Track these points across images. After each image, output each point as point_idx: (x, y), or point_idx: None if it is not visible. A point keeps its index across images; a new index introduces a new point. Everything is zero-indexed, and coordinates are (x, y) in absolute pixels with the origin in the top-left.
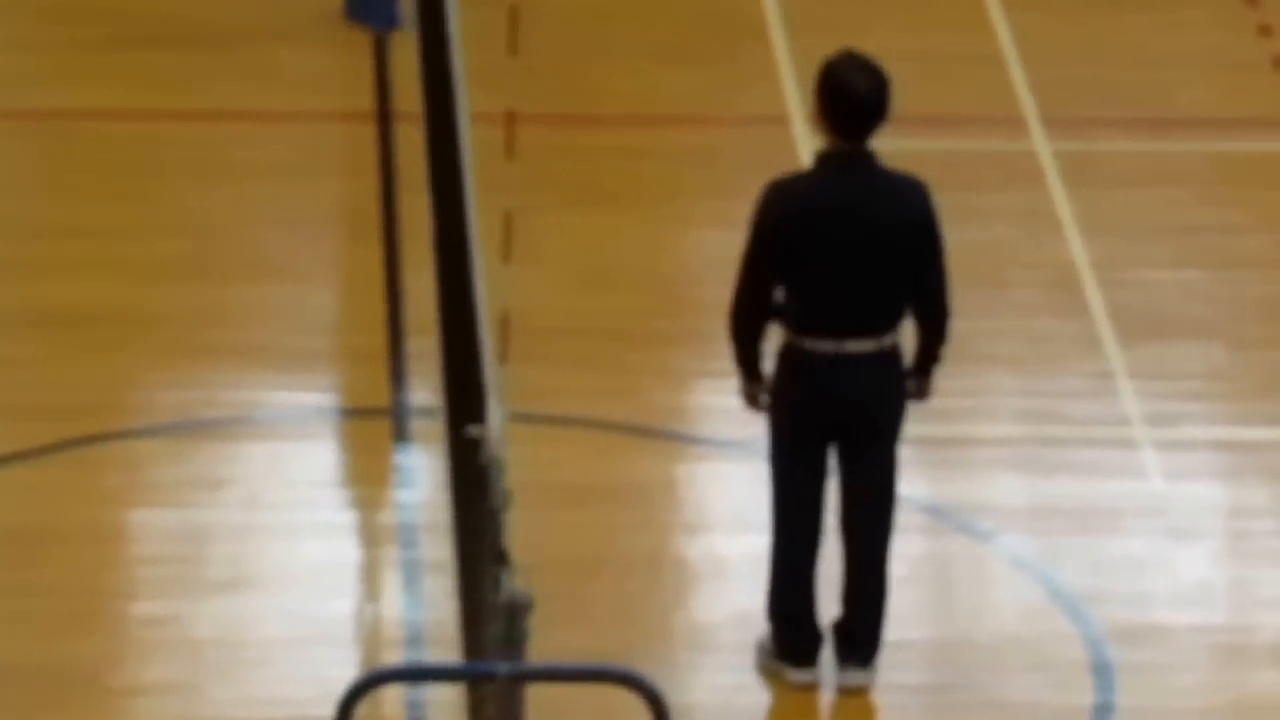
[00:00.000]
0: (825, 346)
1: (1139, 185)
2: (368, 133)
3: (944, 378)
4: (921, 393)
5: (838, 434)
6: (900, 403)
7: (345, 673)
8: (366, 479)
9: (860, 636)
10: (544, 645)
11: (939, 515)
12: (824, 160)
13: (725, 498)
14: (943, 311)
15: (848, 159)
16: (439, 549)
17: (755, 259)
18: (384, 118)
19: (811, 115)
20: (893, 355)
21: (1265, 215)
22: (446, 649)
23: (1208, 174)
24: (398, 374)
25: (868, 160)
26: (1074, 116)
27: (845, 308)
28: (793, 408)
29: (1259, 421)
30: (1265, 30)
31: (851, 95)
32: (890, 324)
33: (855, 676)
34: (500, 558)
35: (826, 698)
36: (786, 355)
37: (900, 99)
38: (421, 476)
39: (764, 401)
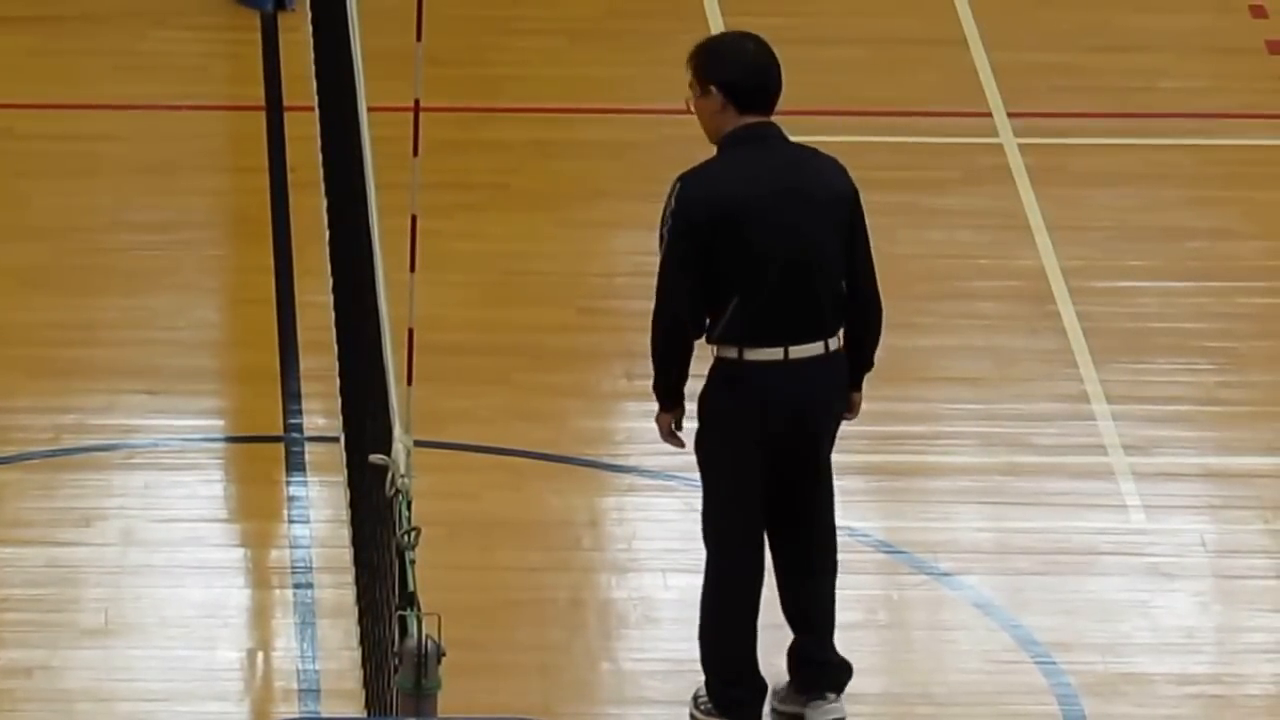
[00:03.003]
0: (771, 354)
1: (1117, 184)
2: (255, 125)
3: (900, 400)
4: (854, 407)
5: (781, 456)
6: (839, 417)
7: None
8: (256, 513)
9: (836, 659)
10: (455, 698)
11: (894, 554)
12: (733, 140)
13: (655, 533)
14: (877, 300)
15: (760, 133)
16: (338, 590)
17: (677, 265)
18: (273, 108)
19: (698, 106)
20: (842, 360)
21: (1258, 218)
22: (347, 702)
23: (1194, 172)
24: (291, 396)
25: (780, 134)
26: (1044, 107)
27: (791, 305)
28: (736, 430)
29: (1249, 449)
30: (1258, 10)
31: (744, 59)
32: (838, 321)
33: (833, 709)
34: (406, 600)
35: None
36: (723, 372)
37: (850, 87)
38: (318, 510)
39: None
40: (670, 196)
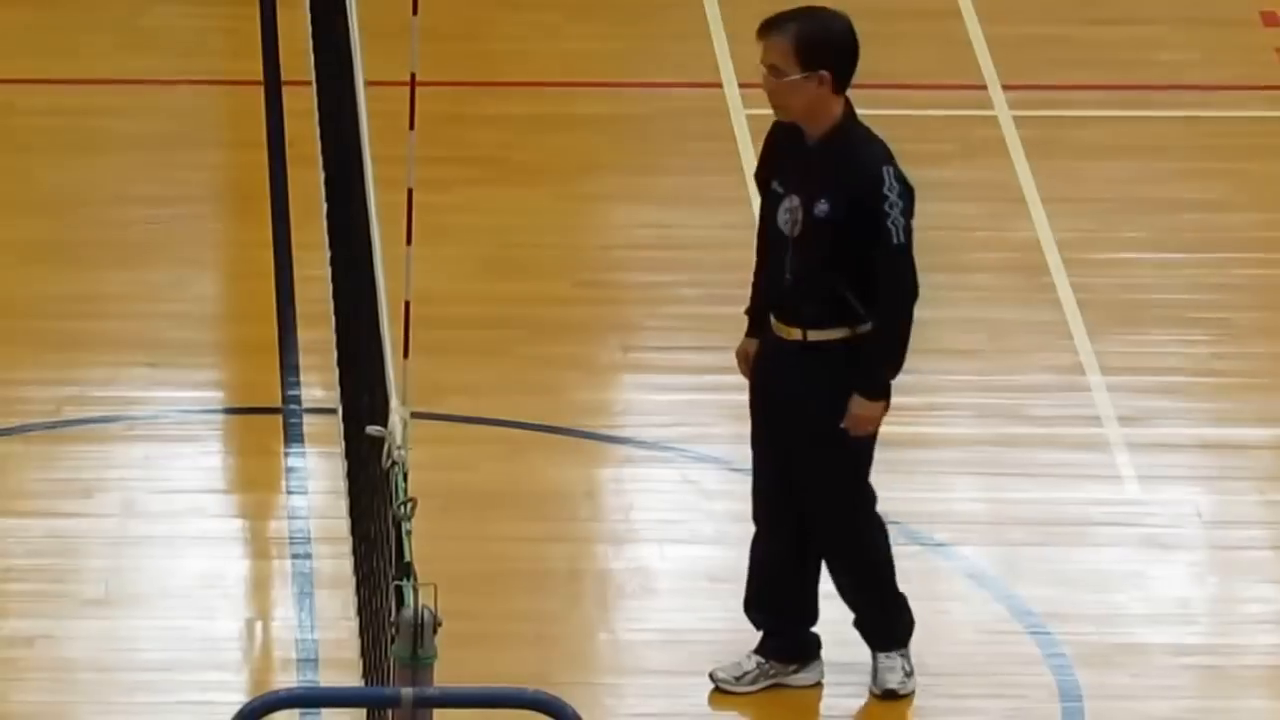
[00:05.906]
0: None
1: (1112, 157)
2: (254, 100)
3: None
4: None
5: None
6: None
7: (232, 698)
8: (255, 484)
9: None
10: (452, 667)
11: (889, 525)
12: (854, 117)
13: (652, 504)
14: None
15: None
16: (336, 561)
17: (911, 245)
18: (272, 83)
19: (792, 86)
20: None
21: (1253, 190)
22: (344, 671)
23: (1189, 144)
24: (289, 368)
25: None
26: (1039, 80)
27: None
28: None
29: (1244, 420)
30: None
31: (853, 43)
32: None
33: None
34: (403, 571)
35: None
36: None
37: None
38: (316, 481)
39: None
40: (890, 182)
